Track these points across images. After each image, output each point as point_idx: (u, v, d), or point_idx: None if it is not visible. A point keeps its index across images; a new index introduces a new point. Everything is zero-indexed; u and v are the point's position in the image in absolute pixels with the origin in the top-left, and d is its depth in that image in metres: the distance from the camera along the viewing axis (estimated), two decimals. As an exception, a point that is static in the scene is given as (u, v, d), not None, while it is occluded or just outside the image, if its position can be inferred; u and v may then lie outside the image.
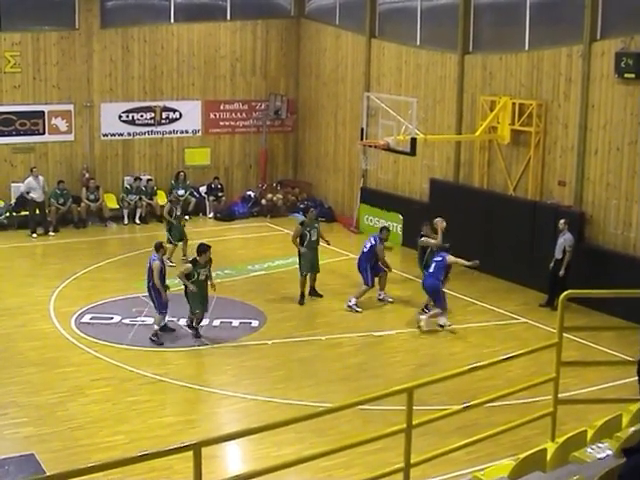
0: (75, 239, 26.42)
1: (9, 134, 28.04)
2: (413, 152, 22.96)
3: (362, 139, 25.01)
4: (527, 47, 23.26)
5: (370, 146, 24.70)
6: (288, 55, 31.54)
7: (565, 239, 20.42)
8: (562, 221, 20.53)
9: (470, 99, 24.81)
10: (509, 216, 22.69)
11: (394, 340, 18.81)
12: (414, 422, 9.00)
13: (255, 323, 19.48)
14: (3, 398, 15.46)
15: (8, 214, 27.71)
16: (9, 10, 27.62)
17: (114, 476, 10.76)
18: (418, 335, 18.99)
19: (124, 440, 13.73)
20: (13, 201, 27.87)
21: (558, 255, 20.47)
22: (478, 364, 10.27)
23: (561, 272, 20.26)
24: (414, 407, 8.92)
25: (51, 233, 27.14)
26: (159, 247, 18.46)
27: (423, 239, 21.04)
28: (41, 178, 27.43)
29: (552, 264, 20.56)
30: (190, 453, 7.48)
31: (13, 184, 28.05)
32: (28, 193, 27.17)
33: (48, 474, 11.71)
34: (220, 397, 15.77)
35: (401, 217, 26.34)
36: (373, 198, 27.86)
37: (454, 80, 25.19)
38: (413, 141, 22.74)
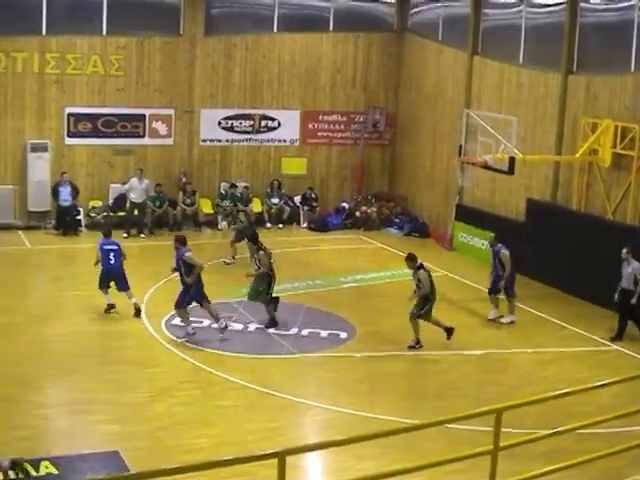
0: (169, 242, 26.55)
1: (110, 136, 28.55)
2: (511, 171, 22.73)
3: (460, 155, 24.88)
4: (633, 69, 22.82)
5: (468, 163, 24.53)
6: (389, 68, 31.50)
7: (634, 268, 19.56)
8: (625, 250, 19.68)
9: (572, 120, 24.43)
10: (606, 240, 22.26)
11: (484, 360, 18.57)
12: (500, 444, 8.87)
13: (344, 335, 19.43)
14: (93, 394, 15.69)
15: (105, 214, 28.22)
16: (115, 15, 28.13)
17: (196, 478, 10.84)
18: (508, 356, 18.76)
19: (208, 443, 13.78)
20: (110, 201, 28.38)
21: (626, 285, 19.61)
22: (570, 389, 10.08)
23: (633, 300, 19.57)
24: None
25: (142, 235, 27.56)
26: None
27: None
28: (146, 181, 27.93)
29: (617, 295, 19.81)
30: (273, 461, 7.47)
31: (112, 185, 28.55)
32: (129, 193, 27.71)
33: (131, 472, 11.86)
34: (304, 407, 15.74)
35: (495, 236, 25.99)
36: (468, 215, 27.59)
37: (556, 100, 24.84)
38: (512, 160, 22.51)
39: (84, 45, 27.91)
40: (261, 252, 19.89)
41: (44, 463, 12.74)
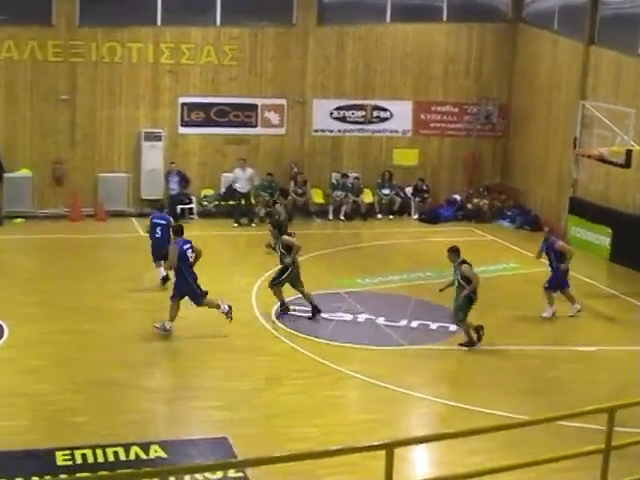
0: (280, 231, 26.82)
1: (223, 125, 28.86)
2: (628, 164, 22.26)
3: (575, 148, 24.44)
4: None
5: (583, 155, 24.10)
6: (502, 59, 31.07)
7: None
8: None
9: (692, 112, 23.76)
10: None
11: (593, 356, 18.21)
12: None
13: (453, 328, 19.23)
14: (203, 382, 15.92)
15: (217, 203, 28.57)
16: (229, 5, 28.41)
17: (304, 467, 10.89)
18: (619, 353, 18.36)
19: (316, 433, 13.81)
20: (222, 190, 28.72)
21: None
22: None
23: None
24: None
25: (253, 224, 27.78)
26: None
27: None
28: (249, 170, 28.15)
29: None
30: (380, 452, 7.44)
31: (223, 174, 28.87)
32: (235, 183, 28.01)
33: (239, 459, 11.98)
34: (411, 399, 15.67)
35: (610, 231, 25.47)
36: (582, 209, 27.05)
37: (676, 91, 24.21)
38: (629, 153, 22.04)
39: (198, 35, 28.27)
40: (284, 237, 19.60)
41: (153, 447, 13.00)
